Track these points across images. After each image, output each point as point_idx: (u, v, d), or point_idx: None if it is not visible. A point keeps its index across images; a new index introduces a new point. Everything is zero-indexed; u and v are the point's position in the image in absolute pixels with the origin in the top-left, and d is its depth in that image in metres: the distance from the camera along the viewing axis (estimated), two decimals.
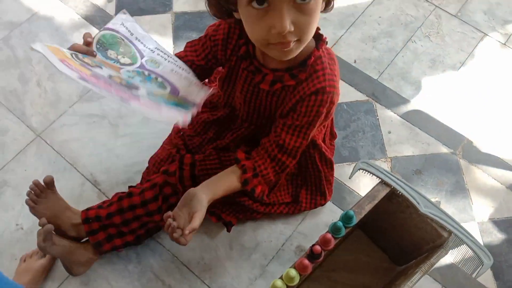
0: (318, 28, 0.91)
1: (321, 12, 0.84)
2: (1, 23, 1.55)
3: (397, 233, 1.06)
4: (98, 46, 0.90)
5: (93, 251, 1.14)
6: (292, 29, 0.78)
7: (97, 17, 1.56)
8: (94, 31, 1.52)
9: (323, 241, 0.87)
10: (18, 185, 1.29)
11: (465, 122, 1.39)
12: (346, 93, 1.43)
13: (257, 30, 0.81)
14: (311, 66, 0.93)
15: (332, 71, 0.95)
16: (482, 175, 1.31)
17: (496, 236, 1.23)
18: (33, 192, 1.11)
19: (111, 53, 0.93)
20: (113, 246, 1.14)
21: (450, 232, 0.90)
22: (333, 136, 1.27)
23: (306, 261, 0.84)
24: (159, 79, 0.97)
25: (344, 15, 1.57)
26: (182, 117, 0.87)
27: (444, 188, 1.28)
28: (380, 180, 0.96)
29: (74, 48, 0.84)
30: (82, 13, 1.57)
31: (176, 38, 1.53)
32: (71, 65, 0.80)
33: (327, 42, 0.97)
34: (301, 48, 0.85)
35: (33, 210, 1.11)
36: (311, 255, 0.86)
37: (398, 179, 0.94)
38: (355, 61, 1.49)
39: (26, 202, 1.11)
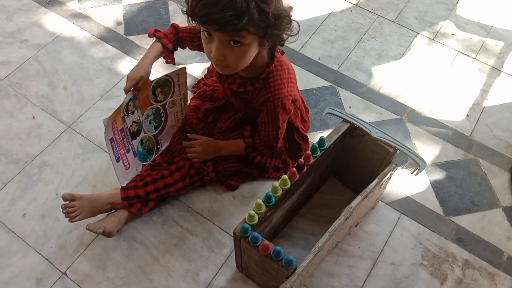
0: (278, 48, 1.23)
1: (265, 48, 1.17)
2: (31, 45, 1.89)
3: (360, 166, 1.39)
4: (154, 84, 1.34)
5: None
6: (223, 59, 1.12)
7: (110, 37, 1.92)
8: (107, 48, 1.88)
9: (305, 157, 1.20)
10: (55, 164, 1.58)
11: (407, 96, 1.78)
12: (314, 82, 1.81)
13: (205, 50, 1.17)
14: (263, 79, 1.27)
15: (281, 80, 1.27)
16: (424, 133, 1.68)
17: (439, 175, 1.58)
18: (66, 210, 1.31)
19: (158, 90, 1.36)
20: (150, 209, 1.45)
21: (395, 148, 1.25)
22: (306, 110, 1.64)
23: (294, 169, 1.17)
24: (163, 118, 1.44)
25: (308, 25, 1.99)
26: (131, 170, 1.42)
27: None
28: (342, 119, 1.31)
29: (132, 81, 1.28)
30: (97, 34, 1.93)
31: None
32: (117, 140, 1.33)
33: (283, 52, 1.31)
34: (236, 71, 1.20)
35: (77, 220, 1.32)
36: (298, 166, 1.19)
37: (355, 117, 1.30)
38: (319, 58, 1.88)
39: (69, 221, 1.31)
